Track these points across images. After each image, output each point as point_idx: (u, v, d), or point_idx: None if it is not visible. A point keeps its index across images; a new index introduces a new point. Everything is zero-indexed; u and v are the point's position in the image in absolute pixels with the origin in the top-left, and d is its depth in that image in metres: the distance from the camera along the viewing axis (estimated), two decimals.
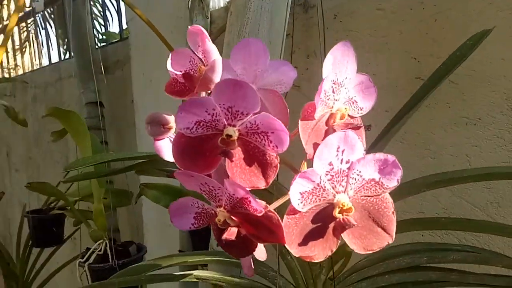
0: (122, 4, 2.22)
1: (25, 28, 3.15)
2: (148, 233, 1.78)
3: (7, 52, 3.24)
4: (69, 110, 1.06)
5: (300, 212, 0.42)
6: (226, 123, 0.40)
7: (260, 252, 0.54)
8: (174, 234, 1.50)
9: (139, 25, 1.71)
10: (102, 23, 2.73)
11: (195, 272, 0.68)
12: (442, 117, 1.14)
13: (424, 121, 1.16)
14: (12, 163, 3.04)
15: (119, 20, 2.24)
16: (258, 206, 0.40)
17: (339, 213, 0.42)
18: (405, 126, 1.19)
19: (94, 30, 2.65)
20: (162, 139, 0.45)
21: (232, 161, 0.39)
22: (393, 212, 0.44)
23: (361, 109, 0.47)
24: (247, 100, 0.38)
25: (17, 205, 2.84)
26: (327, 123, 0.44)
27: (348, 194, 0.43)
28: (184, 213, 0.46)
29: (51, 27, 3.06)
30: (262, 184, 0.40)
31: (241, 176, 0.40)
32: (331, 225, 0.43)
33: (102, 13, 2.79)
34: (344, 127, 0.43)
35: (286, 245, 0.42)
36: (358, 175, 0.42)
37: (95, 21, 2.74)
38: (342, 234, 0.43)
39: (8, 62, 3.29)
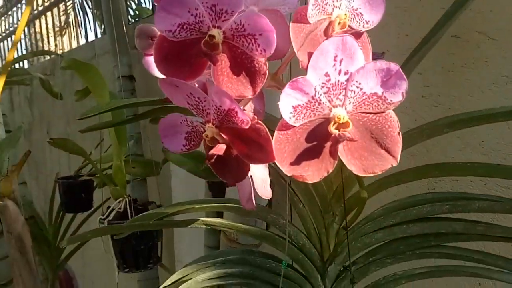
0: None
1: (64, 11, 3.23)
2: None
3: (47, 33, 3.35)
4: (86, 62, 1.06)
5: (293, 127, 0.39)
6: (210, 24, 0.37)
7: (265, 190, 0.51)
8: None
9: None
10: (136, 1, 2.76)
11: (203, 218, 0.66)
12: (480, 77, 1.06)
13: (460, 82, 1.08)
14: None
15: None
16: (244, 116, 0.37)
17: (335, 128, 0.38)
18: (439, 88, 1.12)
19: (128, 8, 2.68)
20: (151, 54, 0.43)
21: (215, 64, 0.36)
22: (398, 133, 0.40)
23: (367, 23, 0.43)
24: None
25: None
26: (325, 32, 0.40)
27: (346, 109, 0.39)
28: (175, 133, 0.43)
29: (90, 8, 3.12)
30: (249, 93, 0.37)
31: (227, 85, 0.38)
32: (328, 144, 0.39)
33: None
34: (342, 34, 0.39)
35: (276, 162, 0.39)
36: (357, 87, 0.39)
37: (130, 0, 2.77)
38: (340, 154, 0.39)
39: (48, 43, 3.39)
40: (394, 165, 0.40)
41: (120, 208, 1.15)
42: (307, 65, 0.38)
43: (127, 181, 1.40)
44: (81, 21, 3.22)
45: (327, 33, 0.40)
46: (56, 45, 3.35)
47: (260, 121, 0.38)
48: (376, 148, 0.40)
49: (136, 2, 2.73)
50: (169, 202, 1.80)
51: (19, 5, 3.83)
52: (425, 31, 1.11)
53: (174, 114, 0.42)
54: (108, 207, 1.20)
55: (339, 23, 0.40)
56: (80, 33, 3.26)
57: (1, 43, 4.28)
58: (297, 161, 0.39)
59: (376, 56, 0.52)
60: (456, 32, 1.10)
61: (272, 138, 0.39)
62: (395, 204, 0.62)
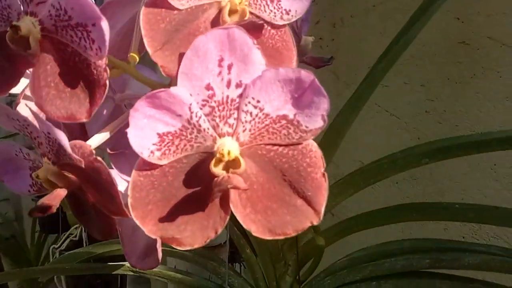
0: None
1: None
2: None
3: None
4: None
5: (161, 166, 0.26)
6: (21, 10, 0.24)
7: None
8: None
9: None
10: None
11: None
12: (492, 90, 0.91)
13: (468, 95, 0.94)
14: None
15: None
16: (70, 150, 0.24)
17: (222, 168, 0.25)
18: (444, 102, 0.98)
19: None
20: None
21: (20, 70, 0.23)
22: (323, 174, 0.26)
23: (288, 12, 0.30)
24: None
25: None
26: (214, 24, 0.27)
27: (239, 139, 0.26)
28: (18, 169, 0.31)
29: None
30: (83, 115, 0.25)
31: (55, 102, 0.25)
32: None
33: None
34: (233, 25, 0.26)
35: (135, 219, 0.26)
36: (255, 107, 0.25)
37: None
38: (233, 207, 0.26)
39: None
40: (315, 223, 0.26)
41: (75, 237, 1.03)
42: (177, 72, 0.25)
43: None
44: None
45: (215, 25, 0.27)
46: None
47: (99, 159, 0.25)
48: (290, 197, 0.26)
49: None
50: None
51: None
52: (430, 36, 0.98)
53: (5, 142, 0.29)
54: (64, 234, 1.09)
55: (234, 12, 0.27)
56: None
57: None
58: (169, 217, 0.26)
59: (321, 62, 0.38)
60: (463, 38, 0.96)
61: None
62: (362, 253, 0.48)
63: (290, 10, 0.30)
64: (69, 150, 0.24)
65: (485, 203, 0.90)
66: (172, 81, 0.32)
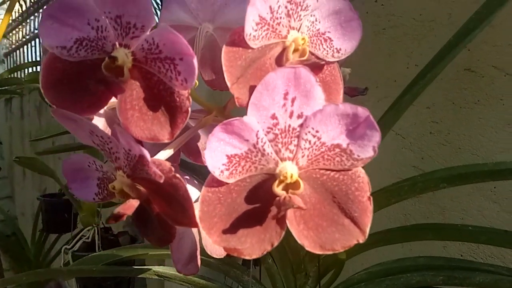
0: None
1: None
2: None
3: None
4: None
5: (227, 184, 0.29)
6: (116, 42, 0.27)
7: (215, 247, 0.41)
8: None
9: None
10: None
11: (155, 268, 0.56)
12: (494, 116, 0.95)
13: (472, 120, 0.97)
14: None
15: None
16: (154, 167, 0.27)
17: (282, 189, 0.28)
18: (448, 125, 1.02)
19: None
20: None
21: (116, 96, 0.27)
22: (368, 198, 0.30)
23: (338, 51, 0.33)
24: (138, 4, 0.26)
25: None
26: (278, 61, 0.30)
27: (298, 163, 0.29)
28: (86, 178, 0.34)
29: None
30: (165, 136, 0.28)
31: (139, 123, 0.28)
32: (274, 208, 0.29)
33: None
34: (298, 64, 0.29)
35: (203, 230, 0.29)
36: (314, 136, 0.29)
37: None
38: (288, 223, 0.29)
39: None
40: (361, 241, 0.30)
41: (88, 238, 1.05)
42: (248, 103, 0.28)
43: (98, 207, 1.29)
44: None
45: (280, 63, 0.30)
46: None
47: (178, 176, 0.28)
48: (338, 217, 0.30)
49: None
50: None
51: (36, 14, 3.84)
52: None
53: (80, 155, 0.32)
54: (75, 236, 1.11)
55: (296, 50, 0.30)
56: None
57: (18, 51, 4.30)
58: (231, 229, 0.29)
59: (357, 92, 0.42)
60: (469, 66, 1.00)
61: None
62: (379, 268, 0.51)
63: (340, 49, 0.33)
64: (152, 167, 0.27)
65: (484, 224, 0.94)
66: (227, 105, 0.36)
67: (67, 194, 1.23)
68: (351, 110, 0.28)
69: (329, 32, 0.33)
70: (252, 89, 0.28)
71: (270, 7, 0.29)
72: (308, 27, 0.31)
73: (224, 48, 0.28)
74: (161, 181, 0.28)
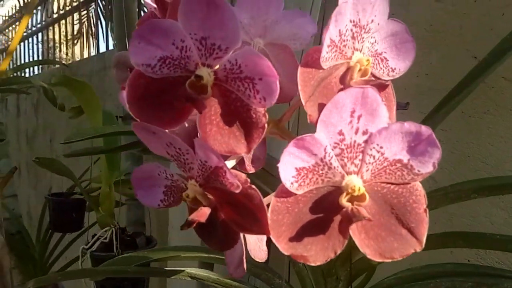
0: None
1: (78, 20, 3.21)
2: (172, 230, 1.70)
3: (60, 41, 3.32)
4: (80, 80, 0.99)
5: (295, 194, 0.31)
6: (199, 61, 0.29)
7: (259, 251, 0.43)
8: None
9: None
10: None
11: (189, 269, 0.58)
12: (503, 125, 0.98)
13: (481, 128, 1.00)
14: (54, 149, 3.07)
15: None
16: (234, 179, 0.29)
17: (347, 201, 0.31)
18: (457, 133, 1.05)
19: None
20: None
21: (201, 113, 0.29)
22: (425, 210, 0.32)
23: (393, 70, 0.35)
24: (226, 28, 0.28)
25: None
26: (342, 80, 0.33)
27: (362, 177, 0.31)
28: (152, 186, 0.36)
29: (104, 19, 3.09)
30: (242, 150, 0.30)
31: (216, 137, 0.30)
32: (337, 217, 0.32)
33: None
34: (364, 84, 0.32)
35: (272, 237, 0.31)
36: (378, 152, 0.31)
37: (142, 12, 2.73)
38: (351, 232, 0.32)
39: (60, 51, 3.36)
40: (418, 250, 0.32)
41: (105, 238, 1.07)
42: (317, 120, 0.30)
43: (121, 203, 1.32)
44: (94, 31, 3.20)
45: (344, 82, 0.32)
46: (67, 54, 3.32)
47: (253, 186, 0.30)
48: (396, 227, 0.32)
49: None
50: (165, 226, 1.72)
51: (34, 11, 3.83)
52: (447, 71, 1.05)
53: (151, 164, 0.34)
54: (94, 235, 1.12)
55: (359, 70, 0.32)
56: (93, 43, 3.23)
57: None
58: (297, 237, 0.31)
59: (399, 106, 0.44)
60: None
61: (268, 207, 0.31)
62: (408, 273, 0.53)
63: (395, 68, 0.35)
64: (230, 177, 0.29)
65: (492, 230, 0.97)
66: (282, 118, 0.38)
67: (84, 195, 1.24)
68: (415, 128, 0.30)
69: (385, 52, 0.35)
70: (321, 106, 0.31)
71: (340, 31, 0.31)
72: (368, 48, 0.34)
73: (300, 69, 0.30)
74: (237, 191, 0.30)
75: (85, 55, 3.13)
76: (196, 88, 0.29)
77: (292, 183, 0.30)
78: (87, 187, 1.58)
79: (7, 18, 4.22)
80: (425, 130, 0.30)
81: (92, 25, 3.19)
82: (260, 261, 0.43)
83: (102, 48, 2.88)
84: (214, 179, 0.31)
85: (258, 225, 0.30)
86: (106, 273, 0.59)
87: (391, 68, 0.35)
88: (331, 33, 0.30)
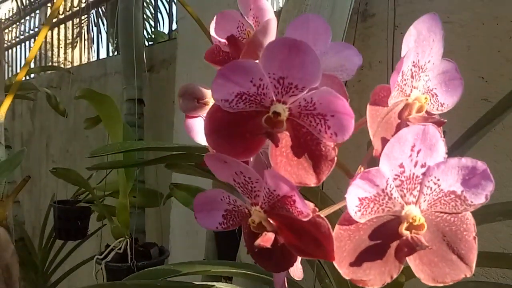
0: (173, 5, 2.20)
1: (78, 24, 3.21)
2: (174, 238, 1.71)
3: (58, 46, 3.31)
4: (103, 93, 1.01)
5: (357, 222, 0.33)
6: (274, 98, 0.31)
7: (297, 270, 0.45)
8: (201, 242, 1.42)
9: (188, 24, 1.66)
10: (153, 24, 2.74)
11: (218, 284, 0.59)
12: (509, 144, 1.01)
13: (487, 147, 1.03)
14: (50, 154, 3.06)
15: (169, 21, 2.23)
16: (304, 208, 0.31)
17: (406, 229, 0.33)
18: (463, 151, 1.08)
19: (144, 30, 2.66)
20: (195, 116, 0.37)
21: (277, 146, 0.31)
22: (474, 237, 0.34)
23: (442, 105, 0.38)
24: (305, 70, 0.30)
25: (49, 196, 2.86)
26: (400, 115, 0.35)
27: (420, 207, 0.34)
28: (212, 209, 0.37)
29: (104, 25, 3.09)
30: (312, 181, 0.32)
31: (286, 168, 0.32)
32: (394, 244, 0.34)
33: (153, 15, 2.79)
34: (422, 121, 0.34)
35: (335, 263, 0.33)
36: (435, 184, 0.33)
37: (146, 22, 2.75)
38: (407, 258, 0.34)
39: (58, 55, 3.36)
40: (468, 275, 0.34)
41: (120, 249, 1.08)
42: (380, 153, 0.32)
43: None
44: (93, 37, 3.20)
45: (401, 117, 0.35)
46: (65, 58, 3.32)
47: (321, 215, 0.32)
48: (447, 253, 0.34)
49: (153, 25, 2.71)
50: (166, 235, 1.73)
51: (32, 14, 3.82)
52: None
53: (216, 190, 0.36)
54: (107, 246, 1.13)
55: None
56: (91, 48, 3.23)
57: (10, 50, 4.26)
58: (357, 262, 0.33)
59: None
60: (486, 96, 1.06)
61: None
62: None
63: (444, 104, 0.38)
64: (301, 206, 0.31)
65: (497, 246, 1.00)
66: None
67: (98, 205, 1.25)
68: (471, 163, 0.32)
69: (435, 88, 0.37)
70: (383, 141, 0.33)
71: (403, 72, 0.33)
72: (423, 85, 0.36)
73: (369, 107, 0.33)
74: (306, 220, 0.32)
75: (84, 60, 3.13)
76: (272, 123, 0.31)
77: (356, 212, 0.32)
78: (88, 196, 1.59)
79: (4, 20, 4.20)
80: (481, 165, 0.32)
81: (92, 31, 3.19)
82: (297, 279, 0.45)
83: (102, 54, 2.89)
84: (281, 206, 0.33)
85: (323, 251, 0.32)
86: (136, 287, 0.60)
87: (441, 103, 0.38)
88: (398, 77, 0.33)
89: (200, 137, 0.37)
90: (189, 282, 0.61)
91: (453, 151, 0.58)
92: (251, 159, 0.39)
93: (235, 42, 0.36)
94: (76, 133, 2.61)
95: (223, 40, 0.38)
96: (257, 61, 0.31)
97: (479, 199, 0.33)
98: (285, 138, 0.32)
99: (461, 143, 0.55)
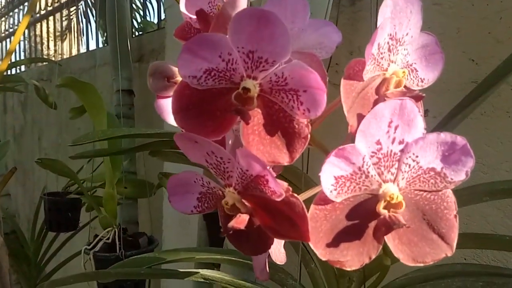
0: None
1: (67, 16, 3.17)
2: (167, 228, 1.70)
3: (48, 38, 3.27)
4: (85, 81, 0.99)
5: (333, 202, 0.32)
6: (244, 74, 0.30)
7: (279, 254, 0.44)
8: (194, 231, 1.41)
9: (176, 13, 1.64)
10: (142, 14, 2.71)
11: (202, 271, 0.58)
12: (500, 127, 1.01)
13: (478, 130, 1.03)
14: (42, 147, 3.04)
15: (158, 10, 2.20)
16: (277, 187, 0.30)
17: (384, 208, 0.32)
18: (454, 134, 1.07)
19: (133, 20, 2.63)
20: (166, 96, 0.36)
21: (247, 124, 0.29)
22: (455, 216, 0.33)
23: (422, 81, 0.37)
24: (275, 42, 0.28)
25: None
26: (377, 90, 0.34)
27: (398, 185, 0.32)
28: (186, 192, 0.36)
29: (93, 16, 3.06)
30: (285, 159, 0.31)
31: (259, 147, 0.31)
32: (372, 224, 0.33)
33: (142, 4, 2.76)
34: (401, 96, 0.33)
35: (310, 243, 0.32)
36: (413, 160, 0.32)
37: (136, 12, 2.72)
38: (386, 238, 0.33)
39: (48, 48, 3.32)
40: (449, 254, 0.33)
41: (108, 239, 1.07)
42: (356, 130, 0.31)
43: (118, 203, 1.32)
44: (83, 28, 3.16)
45: (379, 92, 0.34)
46: (55, 51, 3.28)
47: (295, 194, 0.31)
48: (427, 233, 0.33)
49: (142, 15, 2.68)
50: (159, 226, 1.72)
51: (21, 7, 3.77)
52: (444, 73, 1.06)
53: (188, 172, 0.35)
54: (96, 236, 1.12)
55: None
56: (81, 40, 3.20)
57: (0, 43, 4.21)
58: (334, 243, 0.32)
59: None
60: (477, 78, 1.05)
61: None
62: (419, 274, 0.55)
63: (424, 79, 0.37)
64: (274, 186, 0.30)
65: (487, 229, 0.99)
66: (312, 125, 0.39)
67: (86, 196, 1.23)
68: (451, 138, 0.31)
69: (415, 63, 0.36)
70: (359, 117, 0.32)
71: (378, 44, 0.32)
72: (401, 59, 0.35)
73: (343, 82, 0.31)
74: (279, 199, 0.31)
75: (74, 52, 3.10)
76: (242, 99, 0.30)
77: (331, 191, 0.31)
78: (79, 188, 1.58)
79: None
80: (460, 140, 0.31)
81: (81, 22, 3.15)
82: (280, 263, 0.44)
83: (92, 46, 2.86)
84: (254, 187, 0.32)
85: (297, 232, 0.31)
86: (120, 275, 0.59)
87: (421, 78, 0.36)
88: (373, 49, 0.31)
89: (171, 119, 0.36)
90: (173, 269, 0.60)
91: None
92: (229, 141, 0.37)
93: (205, 17, 0.35)
94: (68, 125, 2.58)
95: (194, 17, 0.37)
96: (226, 35, 0.30)
97: (460, 175, 0.32)
98: (256, 115, 0.31)
99: (444, 123, 0.54)
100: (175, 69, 0.35)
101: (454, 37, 1.07)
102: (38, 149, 3.09)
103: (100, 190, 1.37)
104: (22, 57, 3.84)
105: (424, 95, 0.34)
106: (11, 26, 4.03)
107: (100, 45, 2.71)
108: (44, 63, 3.00)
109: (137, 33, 2.38)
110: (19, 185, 3.34)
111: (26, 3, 3.64)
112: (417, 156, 0.32)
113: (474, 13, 1.03)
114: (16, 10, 3.86)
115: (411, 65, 0.36)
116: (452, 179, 0.32)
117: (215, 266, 0.90)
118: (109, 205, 1.14)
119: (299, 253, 0.55)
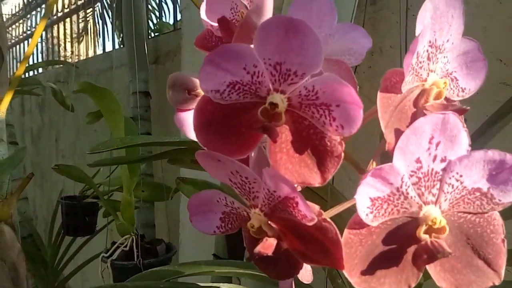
0: None
1: (84, 18, 3.18)
2: (183, 232, 1.68)
3: (65, 40, 3.30)
4: (102, 87, 0.97)
5: (368, 226, 0.29)
6: (271, 87, 0.27)
7: (305, 272, 0.42)
8: (212, 236, 1.39)
9: (192, 13, 1.62)
10: (157, 15, 2.70)
11: (223, 286, 0.56)
12: None
13: (506, 134, 0.98)
14: (60, 149, 3.05)
15: (174, 11, 2.19)
16: (308, 211, 0.27)
17: (425, 232, 0.29)
18: (485, 141, 1.03)
19: (149, 22, 2.62)
20: (187, 109, 0.34)
21: (275, 142, 0.27)
22: (502, 240, 0.30)
23: (463, 90, 0.34)
24: (305, 53, 0.26)
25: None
26: (415, 103, 0.31)
27: (440, 207, 0.30)
28: (208, 212, 0.34)
29: (109, 18, 3.06)
30: (316, 180, 0.28)
31: (287, 166, 0.28)
32: (411, 249, 0.30)
33: (158, 5, 2.75)
34: (441, 109, 0.30)
35: (345, 271, 0.29)
36: (457, 180, 0.29)
37: (152, 13, 2.71)
38: (427, 265, 0.30)
39: (65, 49, 3.34)
40: (497, 283, 0.30)
41: (125, 246, 1.05)
42: (394, 147, 0.28)
43: (135, 207, 1.31)
44: (99, 30, 3.17)
45: (417, 105, 0.31)
46: (72, 52, 3.30)
47: (328, 219, 0.28)
48: (472, 259, 0.30)
49: (158, 16, 2.67)
50: (176, 229, 1.70)
51: (38, 9, 3.80)
52: None
53: (211, 191, 0.32)
54: (113, 243, 1.11)
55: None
56: (98, 42, 3.21)
57: (18, 46, 4.26)
58: (370, 270, 0.30)
59: None
60: (505, 79, 1.01)
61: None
62: None
63: (465, 88, 0.34)
64: (304, 209, 0.27)
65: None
66: None
67: (103, 201, 1.22)
68: (499, 156, 0.28)
69: (455, 71, 0.33)
70: (397, 132, 0.29)
71: (418, 53, 0.29)
72: (441, 68, 0.32)
73: (379, 95, 0.29)
74: (311, 224, 0.28)
75: (90, 53, 3.11)
76: (269, 115, 0.27)
77: (367, 214, 0.29)
78: (94, 192, 1.57)
79: (10, 16, 4.19)
80: (510, 158, 0.28)
81: (97, 24, 3.16)
82: (306, 282, 0.41)
83: (108, 47, 2.86)
84: (282, 209, 0.29)
85: (330, 259, 0.29)
86: (138, 287, 0.57)
87: (461, 88, 0.33)
88: (412, 59, 0.28)
89: (192, 134, 0.34)
90: (193, 283, 0.58)
91: (474, 141, 0.54)
92: (252, 154, 0.35)
93: (227, 25, 0.32)
94: (85, 128, 2.59)
95: (215, 24, 0.34)
96: (251, 45, 0.27)
97: (509, 197, 0.29)
98: (284, 132, 0.28)
99: (483, 132, 0.51)
100: (196, 81, 0.33)
101: (480, 37, 1.02)
102: (56, 151, 3.11)
103: (117, 194, 1.36)
104: (39, 59, 3.87)
105: (468, 108, 0.31)
106: (28, 28, 4.07)
107: (116, 46, 2.71)
108: (61, 66, 3.02)
109: (153, 34, 2.37)
110: (37, 187, 3.37)
111: (43, 6, 3.67)
112: (461, 176, 0.29)
113: (502, 12, 0.99)
114: (34, 13, 3.89)
115: (451, 74, 0.33)
116: (500, 200, 0.29)
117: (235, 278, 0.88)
118: (126, 212, 1.12)
119: (326, 268, 0.52)
